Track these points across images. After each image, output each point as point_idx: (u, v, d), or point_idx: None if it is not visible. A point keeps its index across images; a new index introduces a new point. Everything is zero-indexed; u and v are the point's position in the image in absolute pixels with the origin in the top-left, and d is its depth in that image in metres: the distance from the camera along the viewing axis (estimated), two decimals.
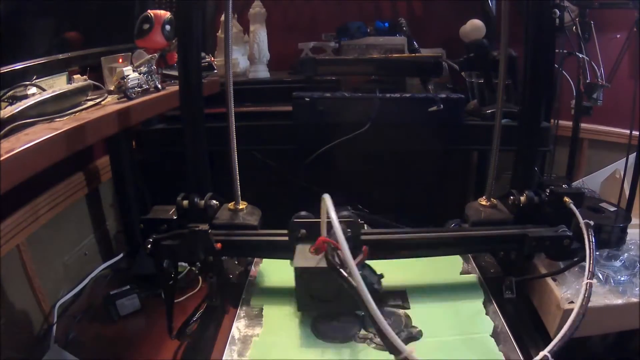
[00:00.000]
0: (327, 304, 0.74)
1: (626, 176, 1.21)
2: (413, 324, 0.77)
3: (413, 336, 0.74)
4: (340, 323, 0.76)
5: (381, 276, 0.77)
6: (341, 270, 0.59)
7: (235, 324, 0.78)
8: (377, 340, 0.72)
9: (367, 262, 0.76)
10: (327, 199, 0.59)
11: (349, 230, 0.73)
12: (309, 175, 1.34)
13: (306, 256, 0.70)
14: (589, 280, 0.64)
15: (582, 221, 0.73)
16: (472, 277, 0.90)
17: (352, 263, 0.53)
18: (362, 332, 0.75)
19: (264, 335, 0.76)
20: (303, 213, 0.77)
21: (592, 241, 0.70)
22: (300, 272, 0.71)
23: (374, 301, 0.50)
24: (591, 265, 0.67)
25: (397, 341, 0.49)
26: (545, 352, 0.54)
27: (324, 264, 0.63)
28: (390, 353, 0.51)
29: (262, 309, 0.82)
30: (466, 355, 0.70)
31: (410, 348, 0.49)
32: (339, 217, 0.56)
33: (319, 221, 0.66)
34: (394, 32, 1.57)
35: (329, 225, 0.58)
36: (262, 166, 1.40)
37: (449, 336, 0.74)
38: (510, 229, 0.82)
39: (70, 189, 1.19)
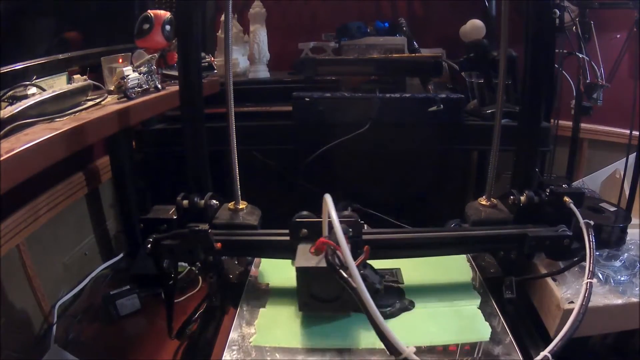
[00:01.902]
0: (328, 304, 0.73)
1: (626, 176, 1.22)
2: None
3: (406, 307, 0.77)
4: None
5: (383, 276, 0.77)
6: (341, 271, 0.59)
7: (236, 321, 0.78)
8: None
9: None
10: (328, 198, 0.59)
11: (350, 229, 0.73)
12: (309, 175, 1.34)
13: (307, 256, 0.70)
14: (589, 280, 0.64)
15: (582, 221, 0.73)
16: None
17: (352, 264, 0.53)
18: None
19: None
20: (304, 213, 0.77)
21: (592, 241, 0.70)
22: (301, 272, 0.71)
23: (374, 301, 0.50)
24: (591, 265, 0.67)
25: (397, 342, 0.49)
26: (545, 352, 0.54)
27: (324, 264, 0.63)
28: (390, 354, 0.51)
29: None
30: (454, 322, 0.73)
31: (410, 348, 0.49)
32: (340, 217, 0.56)
33: (320, 221, 0.66)
34: (394, 32, 1.57)
35: (330, 225, 0.58)
36: (262, 166, 1.40)
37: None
38: (510, 229, 0.82)
39: (70, 189, 1.19)
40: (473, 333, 0.71)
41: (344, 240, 0.54)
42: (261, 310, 0.78)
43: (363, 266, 0.72)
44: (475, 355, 0.68)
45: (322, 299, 0.72)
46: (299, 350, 0.72)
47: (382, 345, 0.51)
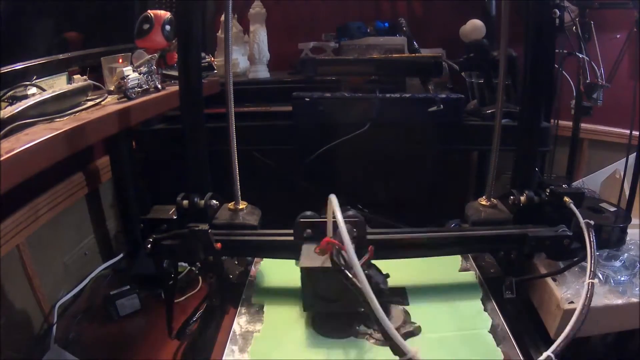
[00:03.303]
0: (333, 303, 0.73)
1: (626, 176, 1.21)
2: (412, 320, 0.77)
3: (412, 332, 0.75)
4: (340, 319, 0.77)
5: (387, 276, 0.77)
6: (346, 271, 0.59)
7: (236, 320, 0.78)
8: (377, 335, 0.73)
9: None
10: (333, 199, 0.59)
11: (354, 230, 0.73)
12: (308, 175, 1.34)
13: (312, 256, 0.70)
14: (590, 280, 0.64)
15: (582, 221, 0.73)
16: (471, 275, 0.91)
17: (357, 264, 0.53)
18: (362, 327, 0.75)
19: (265, 331, 0.76)
20: (308, 213, 0.77)
21: (593, 241, 0.70)
22: (306, 272, 0.71)
23: (379, 300, 0.50)
24: (592, 265, 0.66)
25: (402, 342, 0.49)
26: (548, 352, 0.54)
27: (329, 264, 0.63)
28: (395, 354, 0.51)
29: (262, 306, 0.82)
30: (465, 351, 0.70)
31: (415, 349, 0.49)
32: (344, 217, 0.56)
33: (324, 221, 0.66)
34: (394, 32, 1.57)
35: (335, 225, 0.58)
36: (262, 166, 1.40)
37: (447, 332, 0.75)
38: (510, 229, 0.82)
39: (70, 189, 1.19)
40: None
41: (349, 240, 0.54)
42: (255, 334, 0.75)
43: (367, 266, 0.72)
44: None
45: (327, 299, 0.72)
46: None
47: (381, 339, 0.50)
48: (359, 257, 0.57)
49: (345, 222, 0.56)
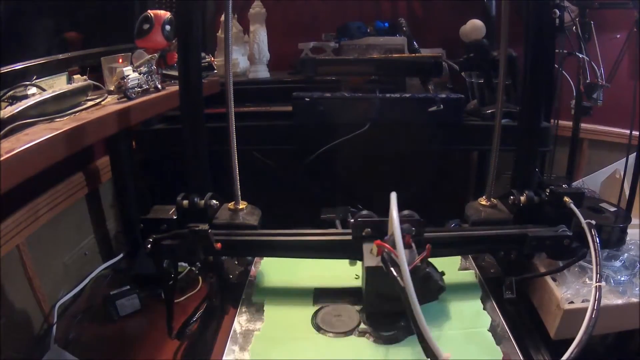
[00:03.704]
0: (395, 302, 0.73)
1: (626, 176, 1.22)
2: None
3: (412, 331, 0.75)
4: (340, 317, 0.77)
5: (443, 273, 0.76)
6: (392, 269, 0.59)
7: (236, 319, 0.78)
8: (375, 334, 0.73)
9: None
10: (393, 197, 0.59)
11: (413, 229, 0.73)
12: (309, 175, 1.34)
13: (375, 256, 0.70)
14: (598, 283, 0.63)
15: (584, 221, 0.73)
16: (471, 274, 0.91)
17: (404, 265, 0.54)
18: (362, 326, 0.75)
19: (265, 329, 0.76)
20: (365, 212, 0.77)
21: (597, 242, 0.69)
22: (369, 272, 0.71)
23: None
24: (598, 267, 0.66)
25: (436, 346, 0.50)
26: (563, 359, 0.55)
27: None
28: (427, 357, 0.52)
29: (263, 305, 0.82)
30: (464, 349, 0.71)
31: (447, 354, 0.50)
32: (401, 217, 0.57)
33: (381, 220, 0.67)
34: (394, 32, 1.57)
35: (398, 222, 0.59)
36: (262, 166, 1.40)
37: (447, 330, 0.75)
38: (510, 229, 0.82)
39: (70, 189, 1.19)
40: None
41: (400, 240, 0.55)
42: (256, 333, 0.76)
43: (427, 264, 0.72)
44: None
45: (388, 298, 0.71)
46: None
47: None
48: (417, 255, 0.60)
49: (402, 221, 0.56)
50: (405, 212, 0.75)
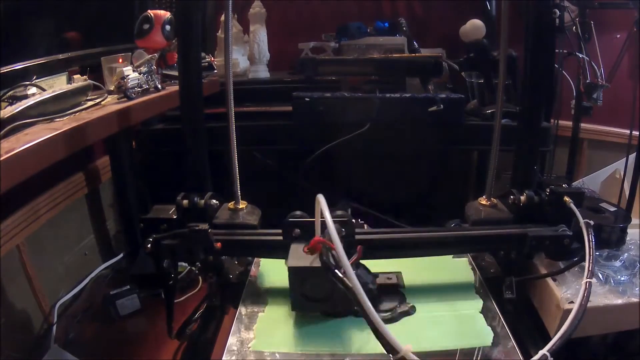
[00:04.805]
0: (321, 303, 0.73)
1: (626, 176, 1.22)
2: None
3: (407, 311, 0.76)
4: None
5: (376, 276, 0.78)
6: (336, 270, 0.59)
7: (234, 326, 0.78)
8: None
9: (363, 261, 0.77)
10: (321, 198, 0.59)
11: (342, 229, 0.73)
12: (309, 175, 1.34)
13: (300, 255, 0.70)
14: (588, 280, 0.64)
15: (582, 221, 0.73)
16: (464, 262, 0.91)
17: (347, 263, 0.53)
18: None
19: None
20: (297, 212, 0.77)
21: (592, 241, 0.70)
22: (294, 272, 0.71)
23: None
24: (591, 264, 0.66)
25: (394, 340, 0.49)
26: (544, 351, 0.54)
27: (317, 264, 0.63)
28: (387, 353, 0.51)
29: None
30: (456, 328, 0.73)
31: (408, 347, 0.49)
32: (333, 217, 0.56)
33: (313, 220, 0.66)
34: (394, 32, 1.57)
35: (324, 224, 0.58)
36: (262, 166, 1.40)
37: (440, 312, 0.77)
38: (510, 229, 0.81)
39: (70, 189, 1.19)
40: (475, 338, 0.71)
41: (338, 239, 0.54)
42: (260, 314, 0.77)
43: (356, 266, 0.72)
44: (475, 357, 0.68)
45: (314, 299, 0.72)
46: (298, 355, 0.72)
47: (382, 350, 0.51)
48: (348, 257, 0.57)
49: (334, 221, 0.56)
50: (339, 212, 0.74)
